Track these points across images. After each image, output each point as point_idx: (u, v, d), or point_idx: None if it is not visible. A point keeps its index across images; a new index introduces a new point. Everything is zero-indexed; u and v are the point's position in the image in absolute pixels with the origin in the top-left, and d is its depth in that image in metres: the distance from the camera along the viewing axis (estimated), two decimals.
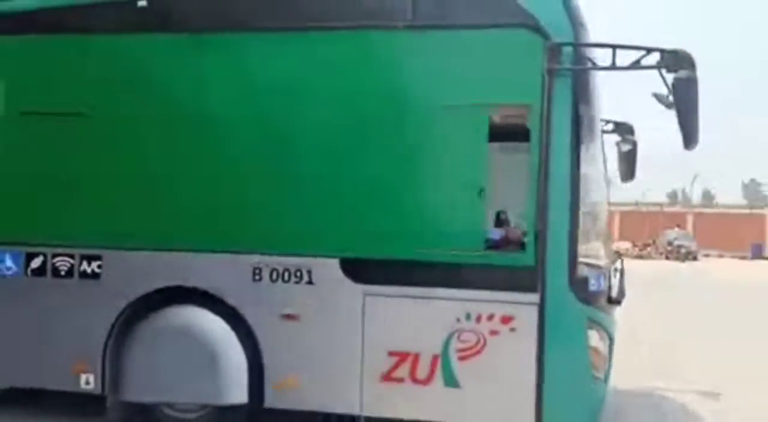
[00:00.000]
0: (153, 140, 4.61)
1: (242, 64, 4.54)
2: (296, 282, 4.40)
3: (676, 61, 3.98)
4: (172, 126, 4.58)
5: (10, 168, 4.76)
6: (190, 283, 4.53)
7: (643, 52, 4.06)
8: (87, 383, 4.64)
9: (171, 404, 4.62)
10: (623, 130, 5.37)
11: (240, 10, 4.54)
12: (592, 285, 4.18)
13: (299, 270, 4.39)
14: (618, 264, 4.67)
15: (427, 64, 4.27)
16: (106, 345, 4.61)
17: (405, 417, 4.32)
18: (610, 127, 5.39)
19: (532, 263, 4.11)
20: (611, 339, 4.43)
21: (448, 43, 4.26)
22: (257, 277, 4.44)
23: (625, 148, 5.29)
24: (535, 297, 4.09)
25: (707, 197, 77.37)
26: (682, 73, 3.96)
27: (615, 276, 4.57)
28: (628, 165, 5.44)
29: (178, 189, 4.56)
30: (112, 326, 4.61)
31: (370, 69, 4.35)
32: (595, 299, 4.21)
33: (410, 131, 4.29)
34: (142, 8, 4.64)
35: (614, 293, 4.49)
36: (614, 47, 4.08)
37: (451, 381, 4.20)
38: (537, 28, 4.12)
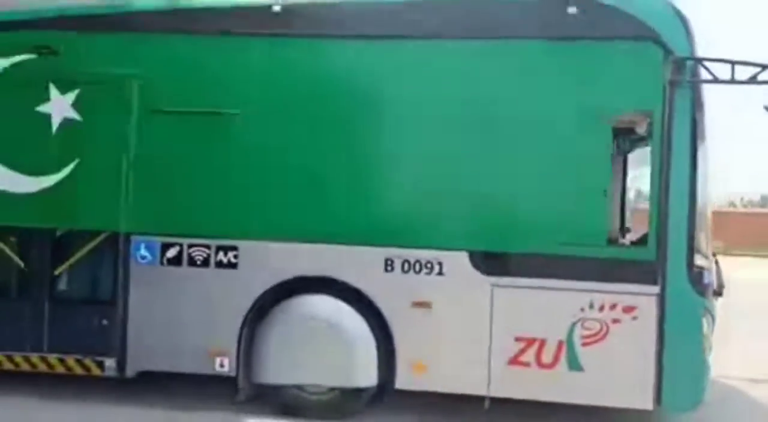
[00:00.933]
0: (297, 139, 4.87)
1: (385, 70, 4.83)
2: (427, 273, 4.73)
3: None
4: (314, 126, 4.86)
5: (153, 164, 5.00)
6: (323, 273, 4.83)
7: (758, 69, 4.45)
8: (222, 366, 4.92)
9: (301, 386, 4.93)
10: None
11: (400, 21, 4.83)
12: (706, 278, 4.57)
13: (430, 262, 4.71)
14: (716, 259, 5.07)
15: (558, 74, 4.61)
16: (241, 330, 4.90)
17: (530, 398, 4.69)
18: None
19: (653, 257, 4.48)
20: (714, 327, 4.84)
21: (579, 55, 4.60)
22: (389, 268, 4.76)
23: None
24: (655, 289, 4.47)
25: None
26: None
27: (715, 270, 4.96)
28: None
29: (317, 185, 4.85)
30: (248, 313, 4.90)
31: (511, 78, 4.67)
32: (707, 291, 4.59)
33: (542, 136, 4.63)
34: (276, 13, 4.93)
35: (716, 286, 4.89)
36: (733, 63, 4.46)
37: (575, 365, 4.57)
38: (659, 42, 4.48)
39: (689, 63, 4.46)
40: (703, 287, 4.52)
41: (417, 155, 4.76)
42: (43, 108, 5.10)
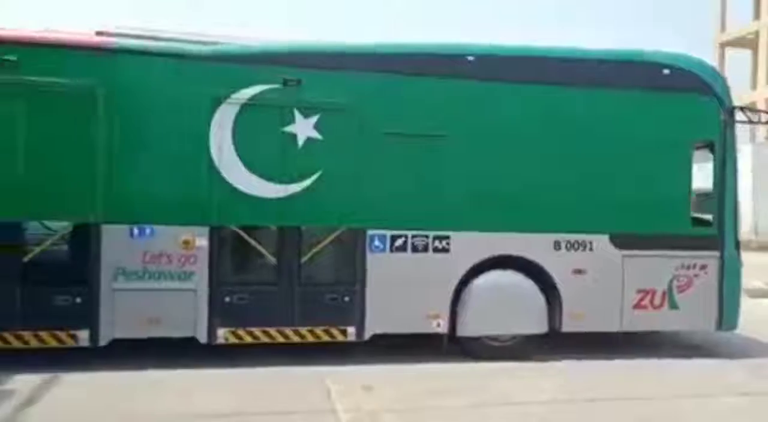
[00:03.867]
0: (493, 157, 6.63)
1: (544, 107, 6.78)
2: (582, 250, 6.82)
3: None
4: (511, 147, 6.66)
5: (383, 174, 6.42)
6: (510, 253, 6.69)
7: None
8: (438, 325, 6.58)
9: (493, 336, 6.75)
10: None
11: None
12: (741, 246, 7.25)
13: (584, 242, 6.82)
14: None
15: (661, 113, 6.94)
16: (452, 299, 6.59)
17: (647, 329, 7.05)
18: None
19: (717, 234, 7.05)
20: None
21: (673, 102, 6.96)
22: (558, 247, 6.77)
23: None
24: (717, 254, 7.04)
25: None
26: None
27: None
28: None
29: (507, 191, 6.66)
30: (457, 286, 6.60)
31: (632, 115, 6.88)
32: (741, 254, 7.27)
33: (653, 156, 6.92)
34: (471, 61, 6.64)
35: None
36: (759, 112, 7.16)
37: (673, 305, 6.98)
38: (716, 96, 7.03)
39: (731, 110, 7.07)
40: (740, 252, 7.20)
41: (577, 173, 6.79)
42: (289, 128, 6.29)
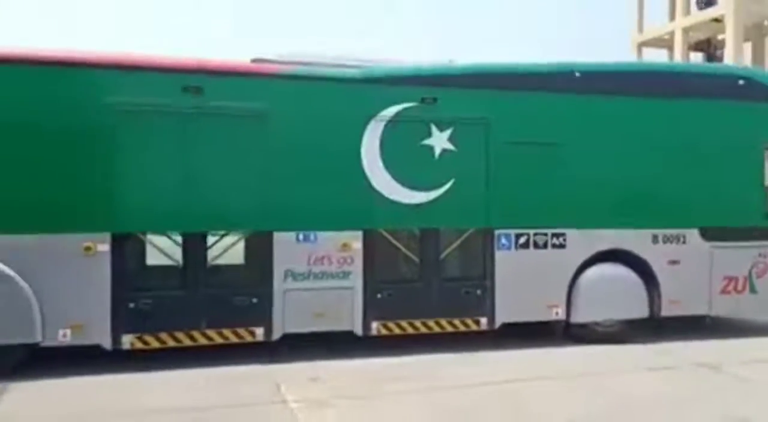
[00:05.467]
0: (600, 162, 7.46)
1: (630, 117, 7.61)
2: (677, 243, 7.71)
3: None
4: (615, 153, 7.50)
5: (507, 180, 7.20)
6: (617, 247, 7.54)
7: None
8: (557, 314, 7.41)
9: (599, 322, 7.59)
10: None
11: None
12: None
13: (678, 236, 7.70)
14: None
15: (740, 119, 7.85)
16: (568, 288, 7.42)
17: (733, 316, 7.98)
18: None
19: None
20: None
21: (748, 109, 7.88)
22: (656, 241, 7.65)
23: None
24: None
25: None
26: None
27: None
28: None
29: (616, 192, 7.50)
30: (572, 276, 7.43)
31: (714, 120, 7.78)
32: None
33: (736, 159, 7.85)
34: (578, 77, 7.48)
35: None
36: None
37: (753, 290, 7.92)
38: None
39: None
40: None
41: (671, 175, 7.65)
42: (427, 141, 7.04)
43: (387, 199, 6.93)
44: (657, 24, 33.30)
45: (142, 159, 6.31)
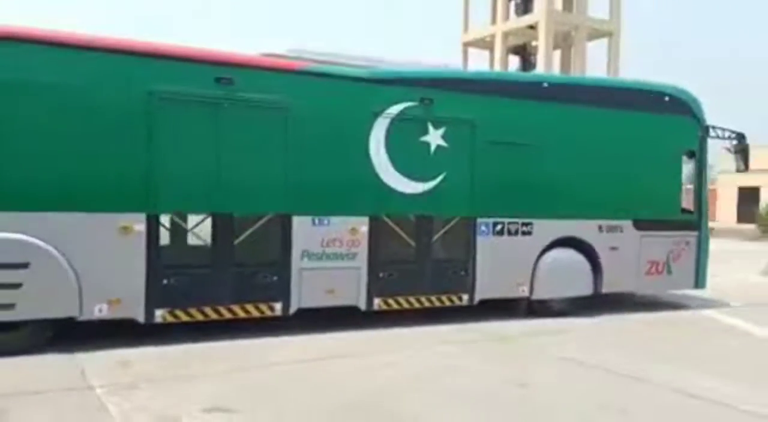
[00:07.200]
0: (560, 162, 8.68)
1: (583, 123, 8.94)
2: (616, 232, 9.16)
3: (740, 137, 10.04)
4: (571, 155, 8.74)
5: (487, 175, 8.22)
6: (574, 235, 8.85)
7: (729, 132, 10.01)
8: (523, 291, 8.59)
9: (555, 298, 8.88)
10: (741, 136, 10.58)
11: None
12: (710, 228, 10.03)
13: (618, 226, 9.16)
14: None
15: (664, 130, 9.43)
16: (532, 269, 8.62)
17: (654, 292, 9.59)
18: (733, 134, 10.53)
19: (697, 219, 9.74)
20: None
21: (671, 122, 9.48)
22: (601, 230, 9.05)
23: (740, 148, 10.53)
24: (696, 233, 9.75)
25: None
26: (743, 143, 10.04)
27: None
28: (744, 160, 10.72)
29: (573, 187, 8.77)
30: (535, 260, 8.64)
31: (641, 131, 9.25)
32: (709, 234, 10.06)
33: (661, 162, 9.43)
34: (546, 88, 8.67)
35: None
36: (718, 127, 9.93)
37: (669, 272, 9.58)
38: (696, 118, 9.70)
39: (706, 127, 9.78)
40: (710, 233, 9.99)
41: (613, 175, 9.06)
42: (424, 138, 7.91)
43: (390, 189, 7.73)
44: (480, 26, 35.75)
45: (176, 144, 6.65)
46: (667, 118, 9.51)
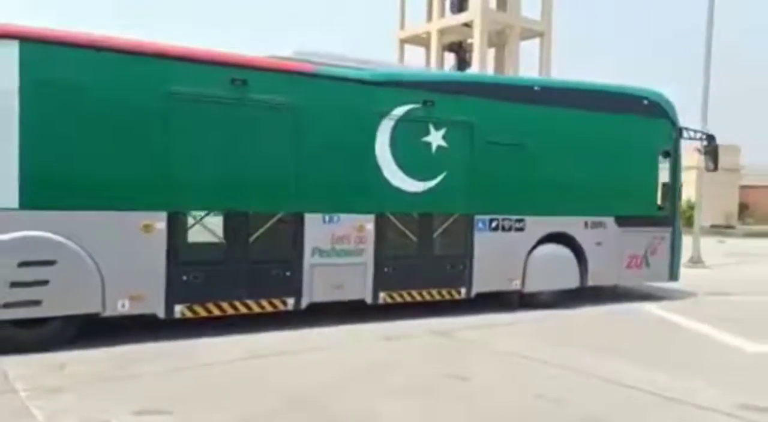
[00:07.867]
0: (550, 161, 9.13)
1: (562, 124, 9.40)
2: (600, 228, 9.69)
3: (710, 138, 10.73)
4: (559, 155, 9.21)
5: (486, 174, 8.61)
6: (562, 231, 9.33)
7: (700, 134, 10.67)
8: (515, 284, 9.04)
9: (544, 291, 9.35)
10: (711, 138, 11.43)
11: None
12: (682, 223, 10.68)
13: (601, 222, 9.69)
14: None
15: (640, 131, 10.02)
16: (524, 264, 9.07)
17: (632, 283, 10.20)
18: (704, 136, 11.39)
19: (670, 215, 10.38)
20: None
21: (649, 124, 10.07)
22: (586, 226, 9.56)
23: (710, 149, 11.36)
24: (670, 229, 10.39)
25: None
26: (713, 144, 10.74)
27: None
28: (713, 159, 11.52)
29: (561, 186, 9.24)
30: (527, 255, 9.09)
31: (618, 132, 9.79)
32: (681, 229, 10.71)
33: (640, 162, 10.01)
34: (537, 91, 9.12)
35: None
36: (690, 129, 10.57)
37: (647, 265, 10.18)
38: (671, 120, 10.33)
39: (679, 129, 10.41)
40: (681, 228, 10.65)
41: (596, 174, 9.58)
42: (426, 138, 8.25)
43: (395, 187, 8.04)
44: (416, 23, 35.90)
45: (195, 144, 6.81)
46: (646, 121, 10.10)
